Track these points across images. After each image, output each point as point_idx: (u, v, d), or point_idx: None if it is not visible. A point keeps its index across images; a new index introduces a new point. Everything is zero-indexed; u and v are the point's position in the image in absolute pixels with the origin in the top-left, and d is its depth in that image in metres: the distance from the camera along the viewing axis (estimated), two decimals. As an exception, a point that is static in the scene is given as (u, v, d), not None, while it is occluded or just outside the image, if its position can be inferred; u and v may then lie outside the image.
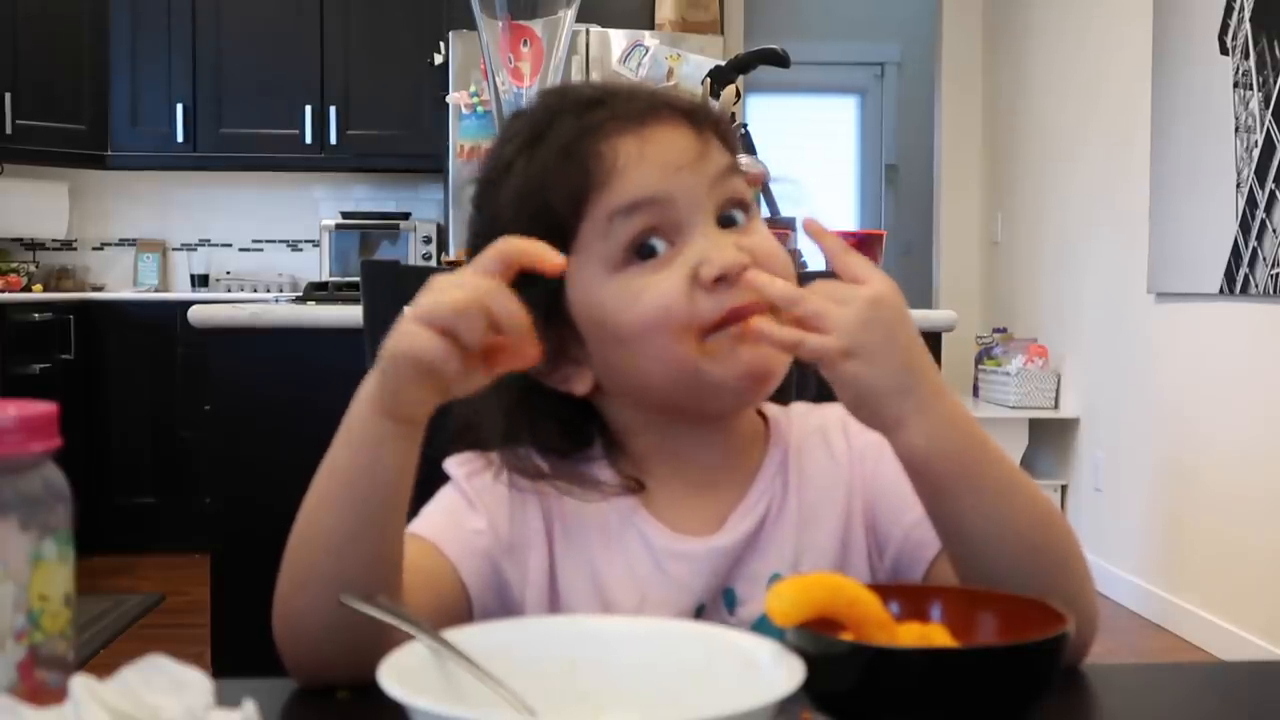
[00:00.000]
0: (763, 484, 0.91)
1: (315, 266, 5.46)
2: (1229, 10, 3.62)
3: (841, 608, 0.65)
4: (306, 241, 5.63)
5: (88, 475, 4.67)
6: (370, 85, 5.24)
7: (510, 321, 0.71)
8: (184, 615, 3.92)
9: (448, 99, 3.15)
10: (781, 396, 0.94)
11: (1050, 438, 4.96)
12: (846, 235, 2.18)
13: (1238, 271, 3.56)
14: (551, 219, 0.85)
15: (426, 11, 5.14)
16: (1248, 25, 3.53)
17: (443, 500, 0.90)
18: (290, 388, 2.23)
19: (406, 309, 0.73)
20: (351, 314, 2.13)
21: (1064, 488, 4.85)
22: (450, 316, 0.70)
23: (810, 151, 7.28)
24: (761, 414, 0.96)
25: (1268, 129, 3.41)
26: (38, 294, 5.09)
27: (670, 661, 0.65)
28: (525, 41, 2.09)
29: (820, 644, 0.62)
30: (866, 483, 0.92)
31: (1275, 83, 3.39)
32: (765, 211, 2.39)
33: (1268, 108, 3.41)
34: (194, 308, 2.28)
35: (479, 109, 2.76)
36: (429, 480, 0.85)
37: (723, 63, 2.65)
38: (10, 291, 4.95)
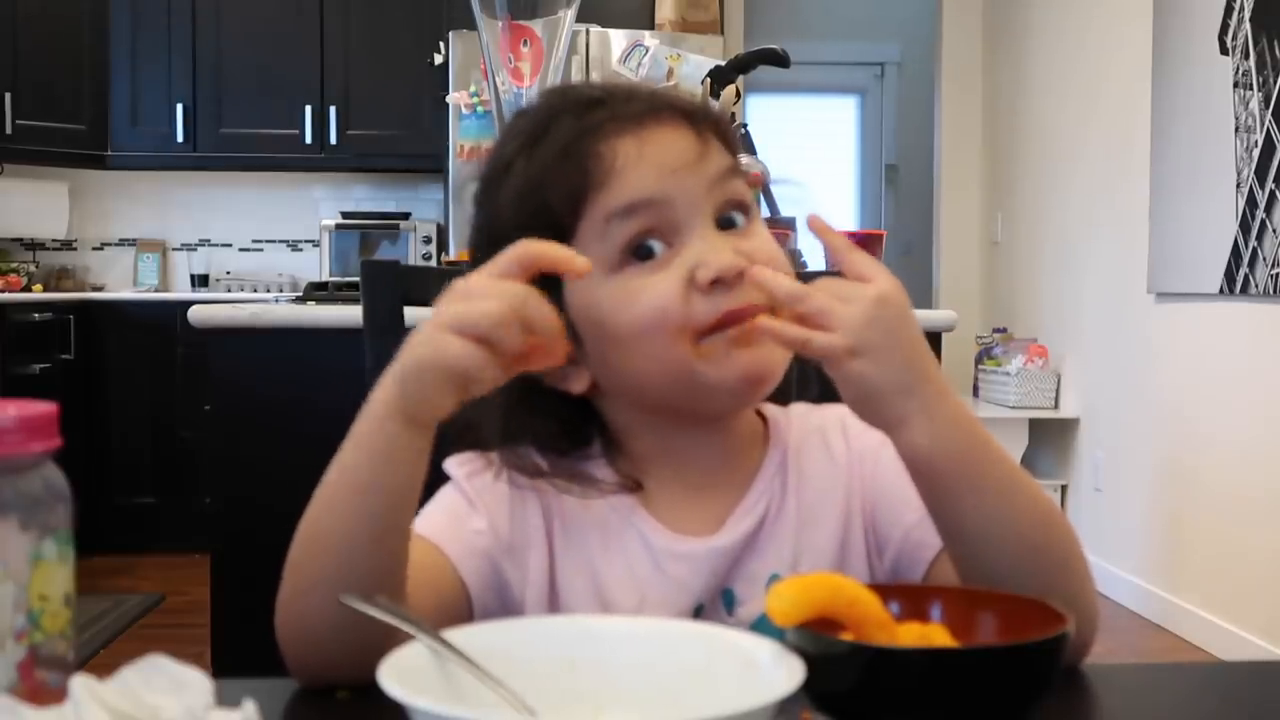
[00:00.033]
0: (762, 485, 0.91)
1: (315, 266, 5.46)
2: (1229, 10, 3.62)
3: (841, 608, 0.65)
4: (306, 241, 5.63)
5: (88, 475, 4.66)
6: (370, 85, 5.24)
7: (544, 325, 0.72)
8: (184, 615, 3.92)
9: (448, 99, 3.16)
10: (782, 397, 0.94)
11: (1050, 438, 4.96)
12: (846, 235, 2.18)
13: (1238, 271, 3.56)
14: (549, 219, 0.85)
15: (426, 11, 5.14)
16: (1248, 25, 3.53)
17: (443, 500, 0.90)
18: (290, 388, 2.23)
19: (429, 317, 0.73)
20: (351, 314, 2.12)
21: (1064, 488, 4.85)
22: (488, 327, 0.71)
23: (810, 151, 7.28)
24: (761, 414, 0.96)
25: (1268, 129, 3.41)
26: (38, 294, 5.10)
27: (670, 661, 0.65)
28: (525, 41, 2.09)
29: (820, 644, 0.62)
30: (866, 484, 0.92)
31: (1275, 83, 3.39)
32: (765, 211, 2.39)
33: (1268, 108, 3.41)
34: (194, 308, 2.28)
35: (479, 109, 2.76)
36: (429, 480, 0.85)
37: (723, 63, 2.65)
38: (10, 291, 4.95)
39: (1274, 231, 3.39)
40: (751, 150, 2.47)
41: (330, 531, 0.76)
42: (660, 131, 0.87)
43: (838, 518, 0.91)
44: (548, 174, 0.86)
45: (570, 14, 2.09)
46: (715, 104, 2.49)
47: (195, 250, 5.65)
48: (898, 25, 7.26)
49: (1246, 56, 3.53)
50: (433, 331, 0.72)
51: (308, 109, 5.25)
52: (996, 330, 5.36)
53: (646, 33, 4.28)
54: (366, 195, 5.63)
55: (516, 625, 0.74)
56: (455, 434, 0.90)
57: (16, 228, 5.39)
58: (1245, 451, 3.56)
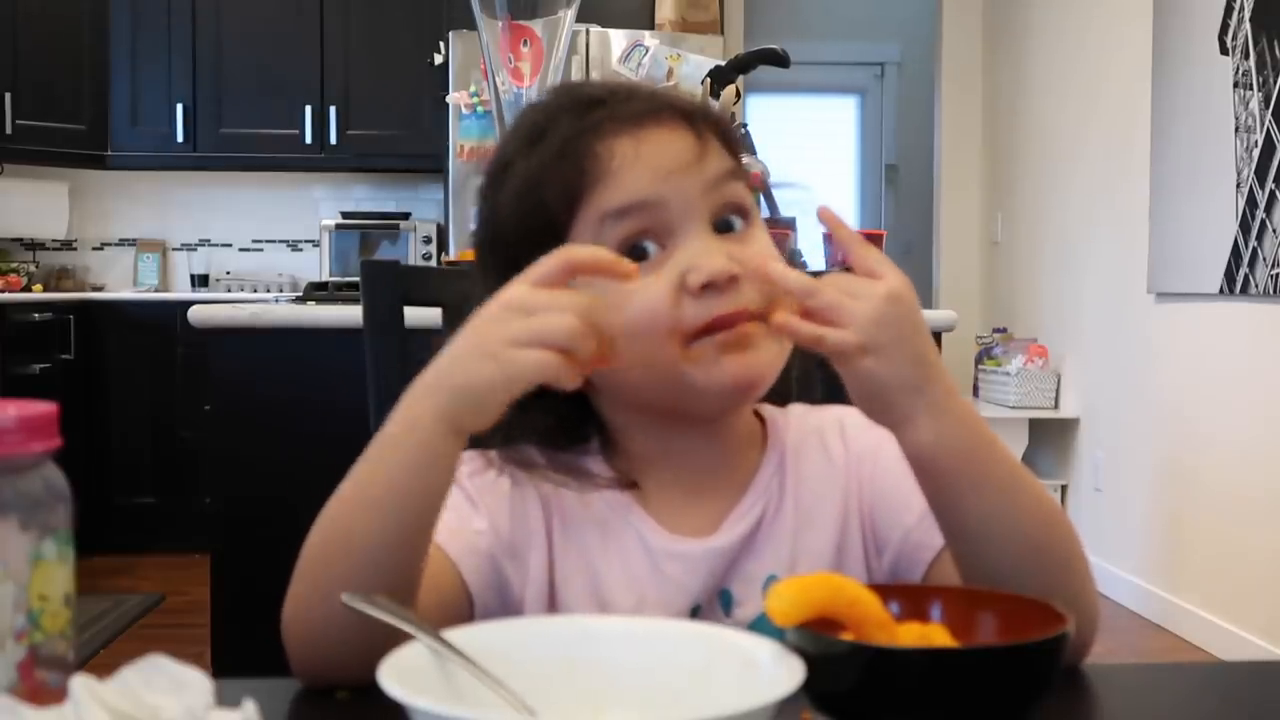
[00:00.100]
0: (759, 486, 0.92)
1: (315, 266, 5.46)
2: (1229, 10, 3.62)
3: (842, 608, 0.65)
4: (306, 241, 5.63)
5: (88, 475, 4.66)
6: (370, 85, 5.24)
7: (606, 330, 0.74)
8: (184, 615, 3.92)
9: (448, 99, 3.16)
10: (781, 398, 0.94)
11: (1050, 438, 4.96)
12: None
13: (1238, 271, 3.56)
14: (546, 216, 0.86)
15: (426, 11, 5.14)
16: (1248, 25, 3.53)
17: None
18: (290, 388, 2.24)
19: (470, 330, 0.73)
20: (351, 314, 2.13)
21: (1064, 488, 4.85)
22: (567, 339, 0.71)
23: (810, 151, 7.28)
24: (759, 415, 0.96)
25: (1268, 129, 3.41)
26: (38, 294, 5.10)
27: (670, 661, 0.65)
28: (525, 41, 2.09)
29: (820, 644, 0.62)
30: (865, 485, 0.92)
31: (1275, 83, 3.39)
32: (765, 212, 2.39)
33: (1268, 108, 3.41)
34: (194, 308, 2.28)
35: (479, 109, 2.76)
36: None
37: (723, 63, 2.65)
38: (10, 291, 4.95)
39: (1274, 231, 3.39)
40: (751, 150, 2.47)
41: (358, 534, 0.75)
42: (658, 132, 0.87)
43: (835, 519, 0.91)
44: (545, 172, 0.87)
45: (570, 14, 2.09)
46: (715, 104, 2.49)
47: (195, 250, 5.65)
48: (898, 25, 7.26)
49: (1246, 56, 3.53)
50: (497, 348, 0.72)
51: (308, 109, 5.25)
52: (996, 330, 5.36)
53: (646, 33, 4.28)
54: (366, 195, 5.63)
55: (516, 625, 0.74)
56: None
57: (16, 228, 5.39)
58: (1245, 451, 3.56)
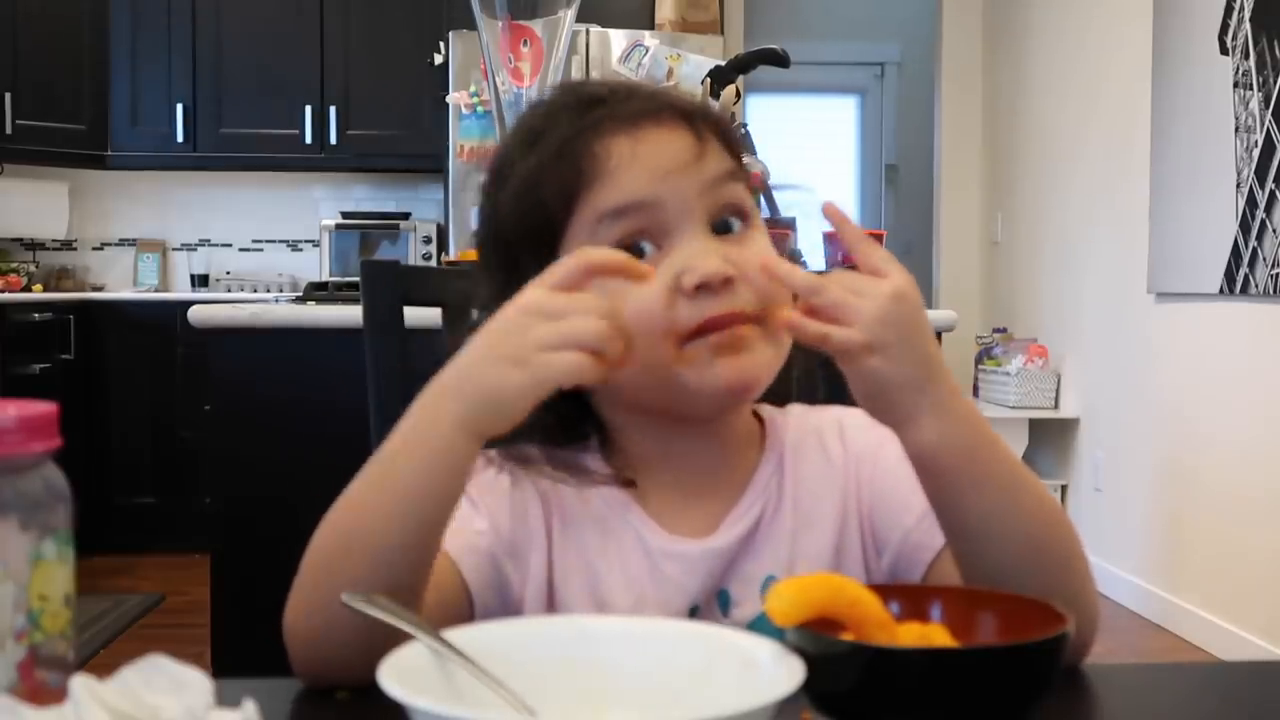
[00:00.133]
0: (758, 487, 0.91)
1: (315, 266, 5.46)
2: (1229, 10, 3.62)
3: (842, 608, 0.65)
4: (306, 241, 5.63)
5: (88, 475, 4.66)
6: (370, 85, 5.24)
7: (628, 331, 0.75)
8: (184, 615, 3.92)
9: (448, 99, 3.15)
10: (781, 398, 0.94)
11: (1050, 438, 4.96)
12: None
13: (1238, 271, 3.56)
14: (544, 215, 0.86)
15: (426, 11, 5.14)
16: (1248, 25, 3.53)
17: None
18: (290, 388, 2.24)
19: (485, 339, 0.73)
20: (351, 314, 2.13)
21: (1064, 488, 4.85)
22: (597, 342, 0.72)
23: (810, 151, 7.27)
24: (758, 416, 0.96)
25: (1268, 129, 3.41)
26: (38, 294, 5.10)
27: (670, 661, 0.65)
28: (525, 41, 2.09)
29: (820, 644, 0.62)
30: (864, 486, 0.92)
31: (1275, 83, 3.39)
32: (765, 212, 2.39)
33: (1268, 108, 3.41)
34: (194, 308, 2.28)
35: (479, 109, 2.76)
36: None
37: (723, 63, 2.65)
38: (10, 291, 4.95)
39: (1274, 231, 3.39)
40: (752, 150, 2.47)
41: (372, 535, 0.75)
42: (657, 132, 0.86)
43: (834, 520, 0.91)
44: (544, 171, 0.87)
45: (570, 14, 2.09)
46: (715, 104, 2.49)
47: (195, 250, 5.65)
48: (898, 25, 7.26)
49: (1246, 56, 3.53)
50: (526, 353, 0.72)
51: (308, 109, 5.25)
52: (996, 330, 5.36)
53: (646, 33, 4.28)
54: (366, 195, 5.63)
55: (516, 625, 0.74)
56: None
57: (16, 228, 5.39)
58: (1245, 451, 3.56)
